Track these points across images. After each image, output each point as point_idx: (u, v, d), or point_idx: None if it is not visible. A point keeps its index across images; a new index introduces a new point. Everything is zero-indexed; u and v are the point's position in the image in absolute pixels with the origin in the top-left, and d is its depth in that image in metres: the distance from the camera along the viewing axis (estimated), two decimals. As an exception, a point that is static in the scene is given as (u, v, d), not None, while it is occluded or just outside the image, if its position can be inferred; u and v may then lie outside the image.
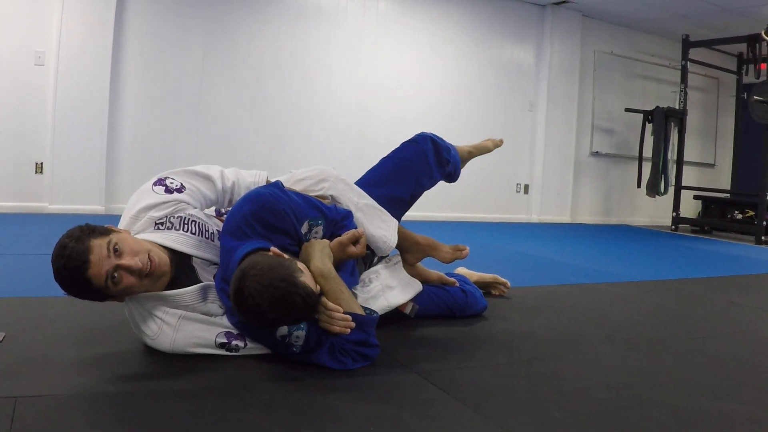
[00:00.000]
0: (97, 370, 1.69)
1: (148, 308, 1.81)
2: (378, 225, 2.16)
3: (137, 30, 5.73)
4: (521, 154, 7.69)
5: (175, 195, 1.95)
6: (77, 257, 1.66)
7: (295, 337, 1.78)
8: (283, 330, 1.76)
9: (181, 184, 1.99)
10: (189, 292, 1.83)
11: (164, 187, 1.96)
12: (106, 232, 1.75)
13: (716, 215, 8.18)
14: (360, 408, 1.58)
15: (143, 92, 5.80)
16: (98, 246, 1.69)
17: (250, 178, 2.13)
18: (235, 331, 1.86)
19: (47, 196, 5.43)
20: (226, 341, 1.84)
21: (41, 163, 5.40)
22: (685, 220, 7.98)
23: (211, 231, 1.97)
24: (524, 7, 7.62)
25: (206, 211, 2.08)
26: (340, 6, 6.58)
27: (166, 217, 1.92)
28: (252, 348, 1.87)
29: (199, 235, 1.93)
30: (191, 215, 1.95)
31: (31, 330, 2.00)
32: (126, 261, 1.71)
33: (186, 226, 1.92)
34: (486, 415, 1.57)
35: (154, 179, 1.98)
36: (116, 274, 1.71)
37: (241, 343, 1.85)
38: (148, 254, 1.76)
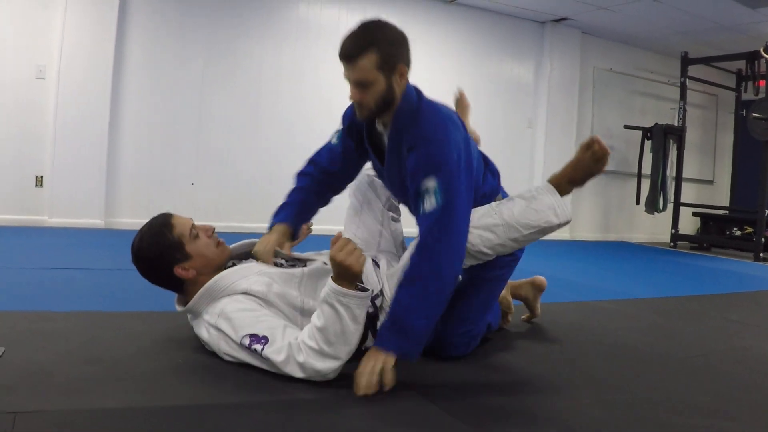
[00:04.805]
0: (97, 386, 1.69)
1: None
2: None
3: (138, 44, 5.76)
4: (520, 170, 7.69)
5: None
6: (161, 217, 2.05)
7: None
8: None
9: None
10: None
11: None
12: None
13: (715, 232, 8.18)
14: (359, 427, 1.58)
15: (144, 106, 5.82)
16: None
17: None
18: (260, 335, 1.81)
19: (47, 210, 5.43)
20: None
21: (41, 177, 5.41)
22: (684, 237, 7.97)
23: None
24: (524, 24, 7.67)
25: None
26: (341, 22, 6.62)
27: None
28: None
29: None
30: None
31: (31, 344, 2.00)
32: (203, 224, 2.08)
33: None
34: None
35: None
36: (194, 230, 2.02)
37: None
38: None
